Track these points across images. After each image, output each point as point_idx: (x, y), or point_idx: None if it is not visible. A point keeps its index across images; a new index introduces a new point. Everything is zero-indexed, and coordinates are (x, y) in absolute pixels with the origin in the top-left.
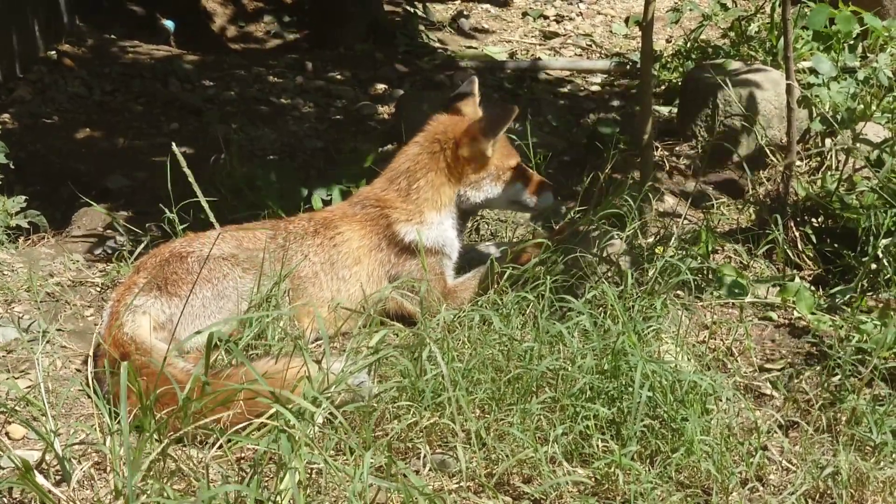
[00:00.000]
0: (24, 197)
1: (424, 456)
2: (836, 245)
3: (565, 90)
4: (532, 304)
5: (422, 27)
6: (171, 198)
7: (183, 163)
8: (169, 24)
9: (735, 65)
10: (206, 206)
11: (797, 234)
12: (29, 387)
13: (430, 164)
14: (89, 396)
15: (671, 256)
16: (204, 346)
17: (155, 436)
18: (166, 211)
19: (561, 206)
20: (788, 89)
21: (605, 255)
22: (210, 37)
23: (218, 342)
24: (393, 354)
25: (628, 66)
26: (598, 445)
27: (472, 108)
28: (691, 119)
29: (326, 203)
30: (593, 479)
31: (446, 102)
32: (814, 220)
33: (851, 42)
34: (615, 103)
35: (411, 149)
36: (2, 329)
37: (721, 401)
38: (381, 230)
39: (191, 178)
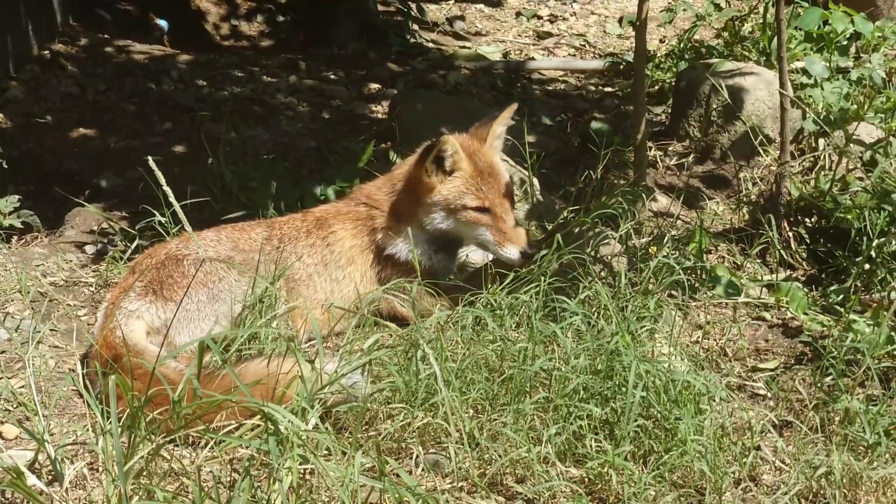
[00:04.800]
0: (17, 196)
1: (417, 456)
2: (829, 245)
3: (559, 90)
4: (526, 304)
5: (415, 27)
6: (160, 201)
7: (160, 177)
8: (162, 23)
9: (728, 65)
10: (180, 213)
11: (790, 234)
12: (21, 387)
13: (410, 176)
14: (82, 396)
15: (665, 256)
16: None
17: (147, 436)
18: (156, 214)
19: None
20: (782, 89)
21: (598, 255)
22: (203, 36)
23: (212, 343)
24: (386, 355)
25: (622, 66)
26: (591, 445)
27: (484, 131)
28: (684, 119)
29: (320, 203)
30: (586, 479)
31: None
32: (807, 220)
33: (844, 43)
34: (609, 103)
35: (410, 157)
36: None
37: (714, 401)
38: (368, 231)
39: (165, 187)
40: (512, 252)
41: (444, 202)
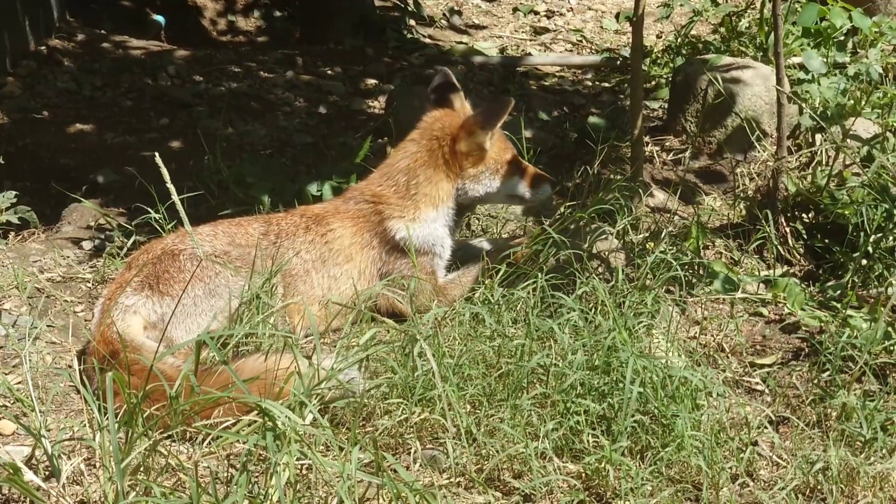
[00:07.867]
0: (14, 192)
1: (415, 452)
2: (826, 240)
3: (556, 85)
4: (523, 300)
5: (412, 22)
6: (157, 197)
7: (165, 174)
8: (159, 18)
9: (725, 60)
10: (181, 209)
11: (787, 229)
12: (18, 383)
13: (428, 160)
14: (79, 392)
15: (662, 252)
16: (194, 343)
17: (144, 432)
18: (151, 211)
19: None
20: (778, 85)
21: (595, 250)
22: (200, 32)
23: (209, 339)
24: (383, 350)
25: (619, 62)
26: (588, 441)
27: (460, 102)
28: (681, 114)
29: (316, 199)
30: (584, 475)
31: (431, 98)
32: (804, 215)
33: (842, 38)
34: (605, 98)
35: (409, 146)
36: None
37: (711, 396)
38: (372, 227)
39: (168, 182)
40: (546, 188)
41: (493, 164)
